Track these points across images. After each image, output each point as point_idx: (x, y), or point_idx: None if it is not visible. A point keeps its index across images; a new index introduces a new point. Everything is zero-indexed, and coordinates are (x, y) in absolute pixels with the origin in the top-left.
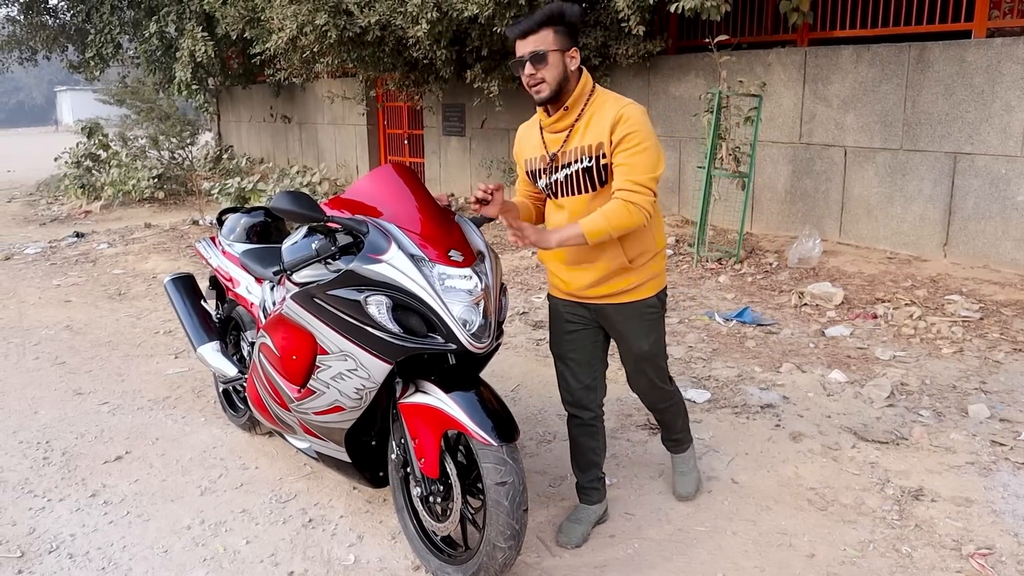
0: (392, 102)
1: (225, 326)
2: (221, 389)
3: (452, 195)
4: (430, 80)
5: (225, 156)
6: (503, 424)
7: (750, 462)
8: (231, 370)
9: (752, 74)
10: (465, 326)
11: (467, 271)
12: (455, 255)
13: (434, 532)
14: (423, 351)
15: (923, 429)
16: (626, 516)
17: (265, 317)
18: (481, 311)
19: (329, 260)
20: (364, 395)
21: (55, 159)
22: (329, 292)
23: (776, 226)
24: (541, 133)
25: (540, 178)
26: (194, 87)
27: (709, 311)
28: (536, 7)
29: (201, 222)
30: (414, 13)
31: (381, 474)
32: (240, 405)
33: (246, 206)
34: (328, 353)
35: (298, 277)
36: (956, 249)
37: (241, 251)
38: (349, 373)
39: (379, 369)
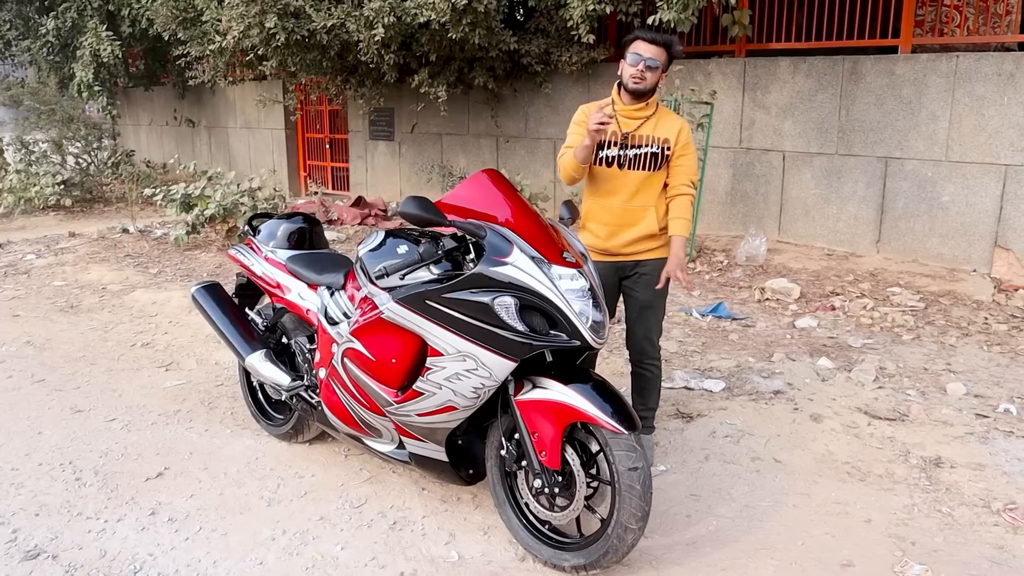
0: (314, 106)
1: (268, 333)
2: (285, 397)
3: (387, 202)
4: (368, 84)
5: (125, 161)
6: (626, 412)
7: (784, 443)
8: (285, 379)
9: (693, 82)
10: (587, 323)
11: (577, 271)
12: (568, 256)
13: (543, 522)
14: (551, 347)
15: (918, 407)
16: (692, 497)
17: (327, 322)
18: (593, 307)
19: (431, 264)
20: (481, 394)
21: None
22: (446, 295)
23: (718, 226)
24: (615, 115)
25: (608, 148)
26: (96, 88)
27: (683, 307)
28: (490, 15)
29: (131, 230)
30: (371, 18)
31: (471, 472)
32: (276, 415)
33: (282, 212)
34: (442, 355)
35: (384, 282)
36: (888, 245)
37: (287, 257)
38: (467, 373)
39: (502, 367)
